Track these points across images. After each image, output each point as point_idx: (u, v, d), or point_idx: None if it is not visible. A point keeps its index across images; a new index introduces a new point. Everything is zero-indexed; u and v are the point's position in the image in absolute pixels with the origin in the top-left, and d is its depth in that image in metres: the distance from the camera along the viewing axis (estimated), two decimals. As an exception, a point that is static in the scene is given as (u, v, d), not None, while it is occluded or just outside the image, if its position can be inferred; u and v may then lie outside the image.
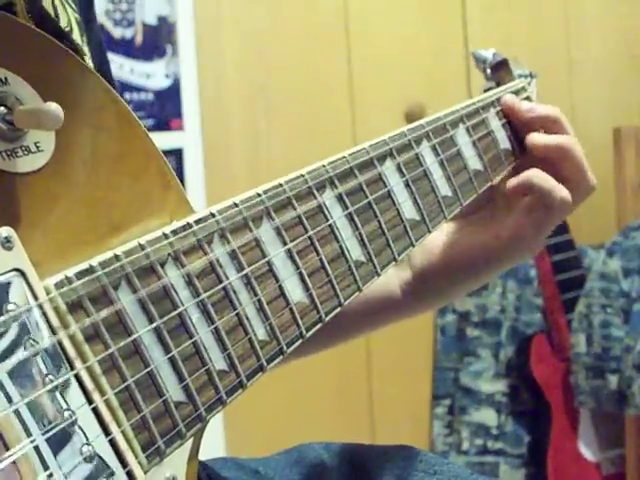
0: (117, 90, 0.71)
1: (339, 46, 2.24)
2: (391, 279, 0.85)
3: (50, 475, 0.40)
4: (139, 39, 2.02)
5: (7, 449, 0.39)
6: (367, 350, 2.23)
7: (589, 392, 2.16)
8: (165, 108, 2.02)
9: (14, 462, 0.39)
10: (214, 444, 1.94)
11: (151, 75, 2.03)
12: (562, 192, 0.77)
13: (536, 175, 0.77)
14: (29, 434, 0.39)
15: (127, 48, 2.00)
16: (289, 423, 2.10)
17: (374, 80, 2.26)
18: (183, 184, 0.52)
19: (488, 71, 0.89)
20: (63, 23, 0.61)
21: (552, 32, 2.52)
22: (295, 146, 2.11)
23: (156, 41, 2.04)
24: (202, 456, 0.51)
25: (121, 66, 1.99)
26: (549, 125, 0.81)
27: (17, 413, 0.39)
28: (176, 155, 1.99)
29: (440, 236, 0.83)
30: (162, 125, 2.00)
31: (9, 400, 0.39)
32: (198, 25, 2.07)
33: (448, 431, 2.35)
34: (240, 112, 2.12)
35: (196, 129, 2.05)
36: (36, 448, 0.39)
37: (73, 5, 0.64)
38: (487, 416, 2.34)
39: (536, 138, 0.80)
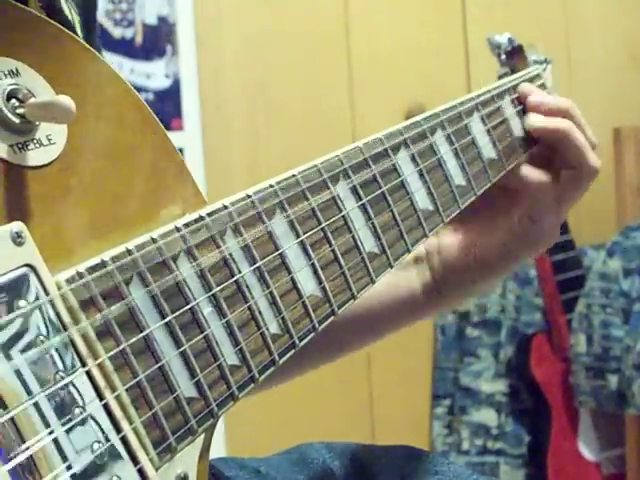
0: None
1: (339, 46, 2.24)
2: (412, 281, 0.84)
3: (69, 467, 0.39)
4: (139, 39, 2.02)
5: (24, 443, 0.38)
6: (367, 350, 2.23)
7: (589, 392, 2.16)
8: (165, 108, 2.02)
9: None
10: (214, 444, 1.93)
11: (151, 75, 2.02)
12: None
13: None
14: (48, 426, 0.39)
15: (127, 48, 2.00)
16: (289, 423, 2.09)
17: (374, 80, 2.26)
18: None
19: (502, 57, 0.88)
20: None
21: (552, 32, 2.52)
22: (295, 146, 2.10)
23: (156, 41, 2.03)
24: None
25: (121, 66, 1.98)
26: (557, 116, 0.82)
27: (36, 407, 0.39)
28: (176, 155, 1.99)
29: (453, 239, 0.83)
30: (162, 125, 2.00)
31: (28, 394, 0.39)
32: (198, 25, 2.07)
33: (448, 431, 2.35)
34: (240, 112, 2.11)
35: (196, 129, 2.05)
36: (55, 440, 0.39)
37: (74, 6, 0.64)
38: (487, 416, 2.33)
39: (533, 120, 0.80)
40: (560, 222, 0.82)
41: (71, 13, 0.62)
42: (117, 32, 2.00)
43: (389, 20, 2.30)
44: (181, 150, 2.01)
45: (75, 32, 0.61)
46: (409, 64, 2.31)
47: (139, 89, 1.99)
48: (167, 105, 2.03)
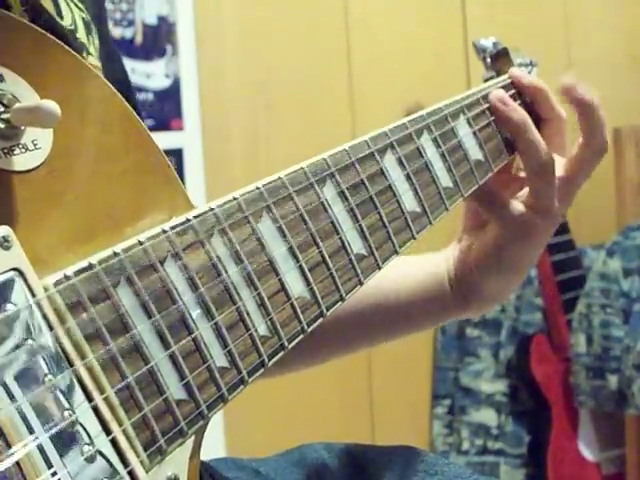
0: (133, 91, 0.71)
1: (339, 46, 2.24)
2: (443, 279, 0.84)
3: (54, 474, 0.39)
4: (139, 39, 2.02)
5: (9, 448, 0.38)
6: (367, 350, 2.23)
7: (589, 392, 2.16)
8: (165, 108, 2.02)
9: (17, 461, 0.38)
10: (214, 444, 1.94)
11: (151, 75, 2.02)
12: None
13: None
14: (32, 432, 0.39)
15: (127, 48, 2.00)
16: (289, 423, 2.09)
17: (374, 80, 2.26)
18: (183, 184, 0.51)
19: (488, 60, 0.88)
20: (67, 22, 0.61)
21: (552, 32, 2.52)
22: (295, 146, 2.10)
23: (156, 41, 2.03)
24: (202, 456, 0.50)
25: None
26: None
27: (19, 412, 0.39)
28: (176, 155, 1.99)
29: (461, 242, 0.83)
30: (162, 125, 2.00)
31: (11, 398, 0.39)
32: (198, 25, 2.07)
33: (448, 431, 2.35)
34: (240, 112, 2.11)
35: (196, 129, 2.05)
36: (39, 446, 0.39)
37: (80, 4, 0.64)
38: (487, 416, 2.33)
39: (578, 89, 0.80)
40: (568, 207, 0.82)
41: (71, 13, 0.62)
42: (117, 32, 2.00)
43: (389, 20, 2.30)
44: (181, 150, 2.01)
45: (68, 34, 0.60)
46: (409, 64, 2.31)
47: (139, 89, 1.99)
48: (167, 105, 2.03)
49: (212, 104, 2.07)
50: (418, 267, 0.85)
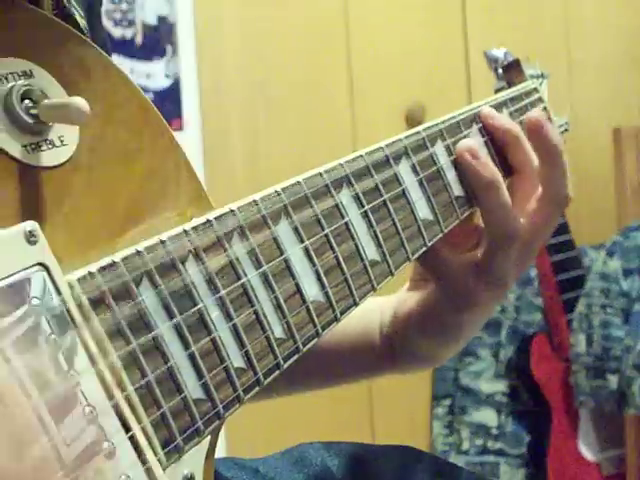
0: None
1: (339, 46, 2.24)
2: (373, 322, 0.77)
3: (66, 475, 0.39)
4: (139, 39, 2.03)
5: None
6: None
7: (589, 392, 2.17)
8: (165, 108, 2.02)
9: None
10: (215, 444, 1.94)
11: (151, 75, 2.03)
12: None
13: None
14: (47, 432, 0.39)
15: (127, 48, 2.01)
16: (289, 423, 2.09)
17: (374, 80, 2.26)
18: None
19: (499, 71, 0.89)
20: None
21: (552, 32, 2.53)
22: (295, 146, 2.11)
23: (156, 41, 2.04)
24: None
25: (121, 66, 1.98)
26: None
27: (36, 411, 0.39)
28: (176, 155, 2.00)
29: (403, 301, 0.76)
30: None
31: (28, 397, 0.39)
32: (198, 25, 2.07)
33: (448, 431, 2.35)
34: (240, 112, 2.12)
35: (196, 129, 2.05)
36: (53, 447, 0.39)
37: (79, 9, 0.64)
38: (487, 416, 2.34)
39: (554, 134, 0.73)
40: (522, 272, 0.74)
41: (79, 13, 0.62)
42: (117, 32, 2.00)
43: (389, 20, 2.31)
44: (181, 150, 2.02)
45: (83, 34, 0.60)
46: (409, 64, 2.31)
47: (139, 89, 1.99)
48: (167, 105, 2.03)
49: (212, 104, 2.08)
50: (355, 314, 0.78)
